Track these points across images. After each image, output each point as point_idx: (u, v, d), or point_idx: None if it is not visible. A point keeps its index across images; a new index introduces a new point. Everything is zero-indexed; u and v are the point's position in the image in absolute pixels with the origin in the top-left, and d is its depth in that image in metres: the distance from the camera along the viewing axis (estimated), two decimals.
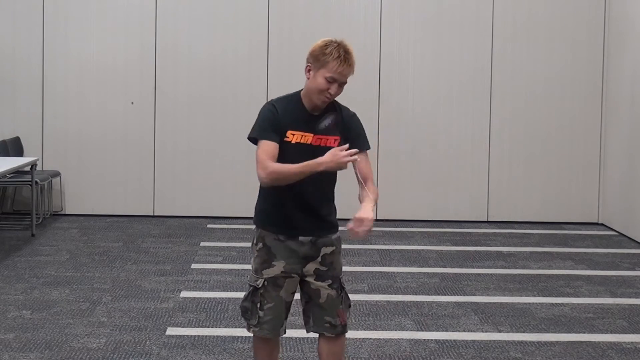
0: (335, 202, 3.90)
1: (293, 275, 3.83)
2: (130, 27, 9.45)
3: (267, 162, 3.63)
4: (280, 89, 9.03)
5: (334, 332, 3.91)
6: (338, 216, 3.91)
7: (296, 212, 3.77)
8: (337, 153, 3.55)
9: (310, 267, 3.84)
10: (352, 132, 3.80)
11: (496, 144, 9.59)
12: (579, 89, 9.58)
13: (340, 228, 3.90)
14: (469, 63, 9.53)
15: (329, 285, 3.86)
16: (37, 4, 9.41)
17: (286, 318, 3.90)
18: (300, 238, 3.80)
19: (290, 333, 5.43)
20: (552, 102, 9.58)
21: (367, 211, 3.61)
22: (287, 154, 3.68)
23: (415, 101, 9.55)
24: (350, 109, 3.87)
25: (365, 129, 3.87)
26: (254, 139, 3.74)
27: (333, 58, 3.63)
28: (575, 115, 9.59)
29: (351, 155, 3.55)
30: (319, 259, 3.84)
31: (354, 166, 3.72)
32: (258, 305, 3.81)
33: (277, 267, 3.80)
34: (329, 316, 3.88)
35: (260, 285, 3.81)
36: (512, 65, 9.54)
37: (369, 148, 3.84)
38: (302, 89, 3.80)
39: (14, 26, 9.43)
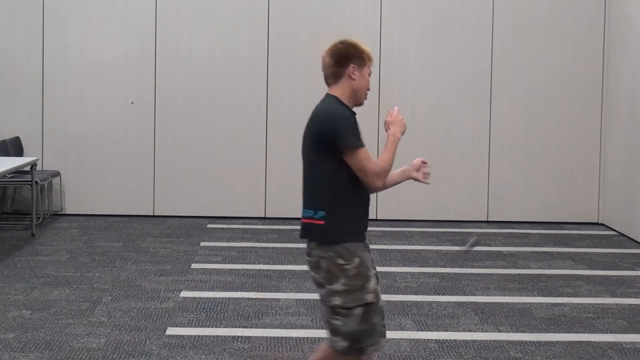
0: None
1: None
2: (130, 27, 9.45)
3: (383, 172, 3.77)
4: (280, 89, 9.19)
5: None
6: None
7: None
8: (397, 116, 3.94)
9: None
10: None
11: (496, 144, 9.59)
12: (579, 89, 9.58)
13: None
14: (469, 63, 9.53)
15: None
16: (37, 4, 9.41)
17: None
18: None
19: (289, 333, 5.44)
20: (552, 102, 9.57)
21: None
22: None
23: (415, 101, 9.54)
24: None
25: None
26: (354, 148, 3.64)
27: (367, 54, 3.74)
28: (576, 116, 9.59)
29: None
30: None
31: None
32: (375, 321, 3.66)
33: (374, 275, 3.71)
34: None
35: (376, 300, 3.65)
36: (512, 65, 9.54)
37: None
38: (331, 95, 3.71)
39: (14, 26, 9.43)
